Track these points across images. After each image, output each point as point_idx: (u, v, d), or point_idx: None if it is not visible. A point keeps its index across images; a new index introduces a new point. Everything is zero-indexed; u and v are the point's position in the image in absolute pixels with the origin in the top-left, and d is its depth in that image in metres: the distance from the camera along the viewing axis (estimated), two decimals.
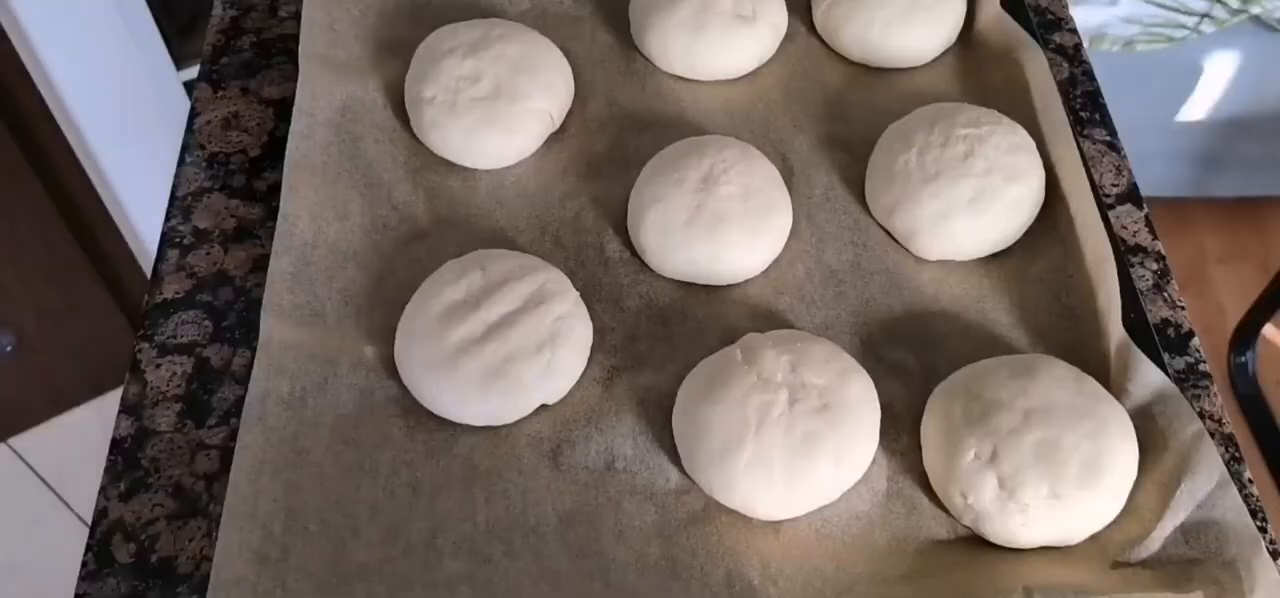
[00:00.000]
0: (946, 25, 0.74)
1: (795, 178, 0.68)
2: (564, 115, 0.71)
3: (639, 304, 0.63)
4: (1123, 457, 0.53)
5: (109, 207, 1.44)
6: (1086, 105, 0.73)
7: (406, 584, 0.52)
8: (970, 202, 0.63)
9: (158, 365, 0.61)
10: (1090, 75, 0.75)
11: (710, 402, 0.55)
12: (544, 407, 0.58)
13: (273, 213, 0.65)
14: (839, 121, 0.71)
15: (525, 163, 0.69)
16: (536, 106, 0.69)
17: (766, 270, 0.64)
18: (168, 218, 0.68)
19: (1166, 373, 0.57)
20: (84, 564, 0.54)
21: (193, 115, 0.73)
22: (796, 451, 0.54)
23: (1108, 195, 0.68)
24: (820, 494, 0.54)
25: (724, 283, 0.63)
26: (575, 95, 0.72)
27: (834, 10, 0.74)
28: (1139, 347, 0.57)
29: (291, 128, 0.67)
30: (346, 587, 0.52)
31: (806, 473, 0.54)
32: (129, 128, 1.36)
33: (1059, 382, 0.55)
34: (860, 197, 0.67)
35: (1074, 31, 0.78)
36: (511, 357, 0.57)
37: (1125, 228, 0.67)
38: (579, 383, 0.59)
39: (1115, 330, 0.58)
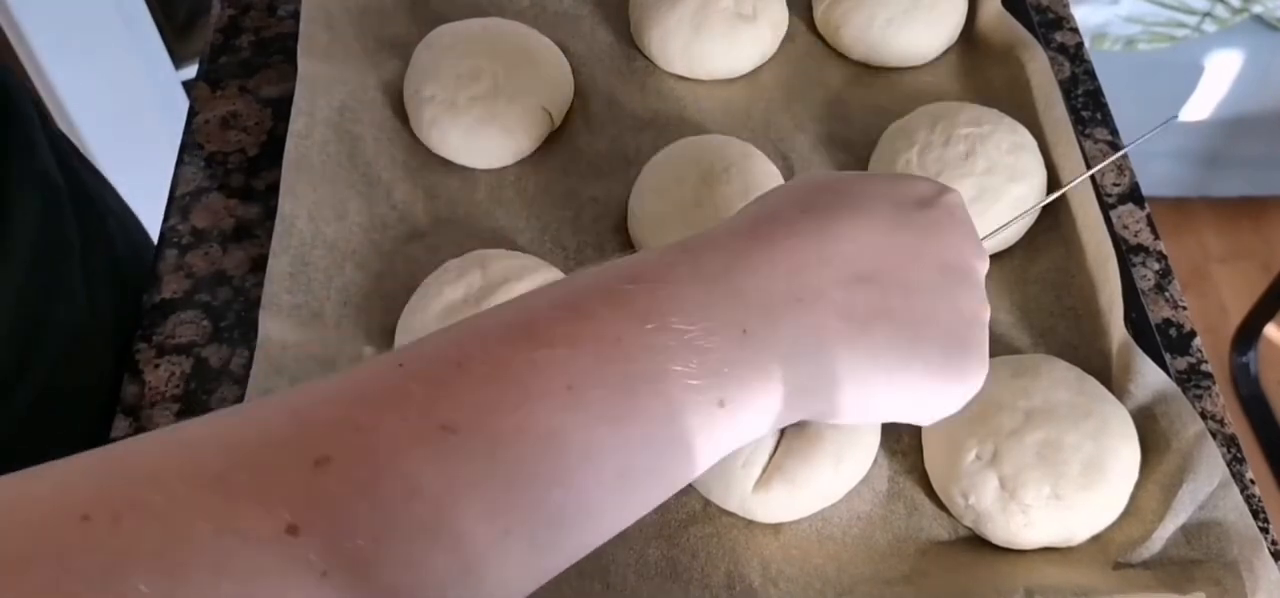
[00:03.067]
0: (947, 24, 0.74)
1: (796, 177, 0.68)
2: (564, 114, 0.71)
3: None
4: (1124, 457, 0.53)
5: None
6: (1088, 105, 0.73)
7: None
8: (971, 201, 0.63)
9: (156, 366, 0.61)
10: (1092, 74, 0.75)
11: None
12: None
13: (271, 212, 0.64)
14: (840, 121, 0.71)
15: (525, 162, 0.69)
16: (536, 105, 0.68)
17: None
18: (166, 217, 0.68)
19: (1168, 373, 0.57)
20: None
21: (191, 115, 0.73)
22: (797, 452, 0.53)
23: (1109, 195, 0.68)
24: (822, 496, 0.54)
25: None
26: (575, 94, 0.72)
27: (834, 9, 0.74)
28: (1141, 347, 0.57)
29: (290, 127, 0.67)
30: None
31: (808, 475, 0.53)
32: (127, 128, 1.36)
33: (1060, 382, 0.55)
34: None
35: (1075, 30, 0.78)
36: None
37: (1127, 227, 0.67)
38: None
39: (1117, 330, 0.58)
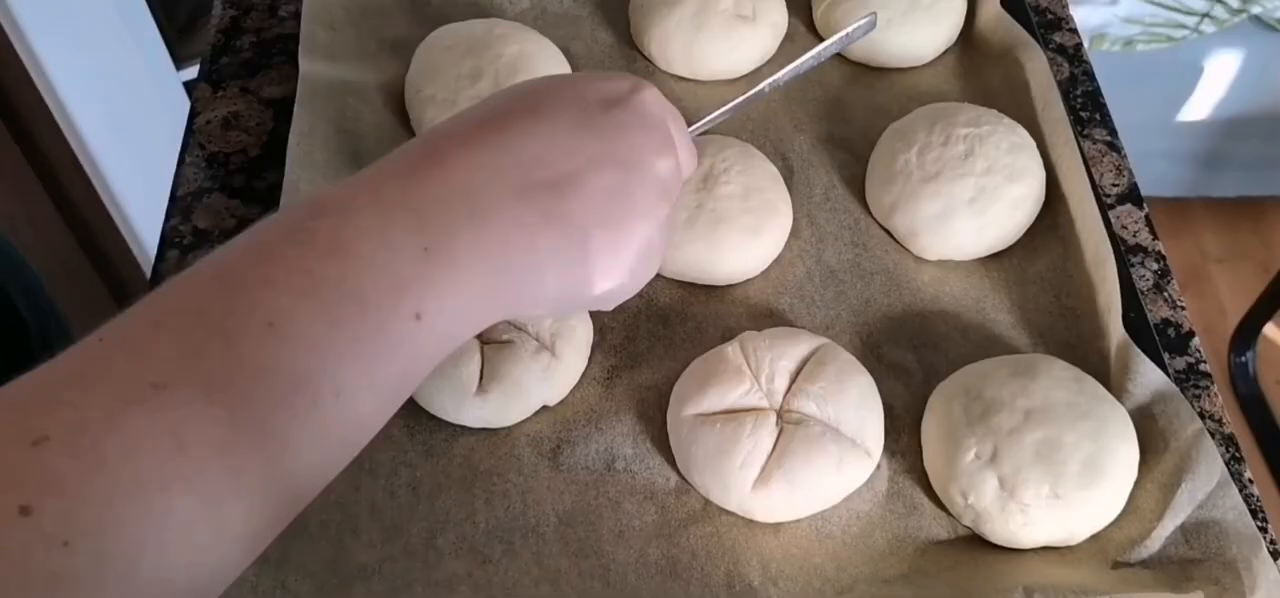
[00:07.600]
0: (946, 25, 0.74)
1: (795, 177, 0.68)
2: None
3: (639, 304, 0.63)
4: (1123, 457, 0.53)
5: (109, 207, 1.44)
6: (1087, 105, 0.73)
7: (406, 584, 0.52)
8: (970, 201, 0.63)
9: None
10: (1090, 75, 0.75)
11: (703, 403, 0.55)
12: (544, 407, 0.58)
13: (273, 213, 0.65)
14: (839, 121, 0.71)
15: None
16: None
17: (766, 270, 0.64)
18: (168, 218, 0.68)
19: (1167, 373, 0.57)
20: None
21: (193, 115, 0.73)
22: (797, 454, 0.54)
23: (1108, 195, 0.68)
24: (822, 498, 0.54)
25: (724, 283, 0.63)
26: None
27: (834, 10, 0.74)
28: (1139, 347, 0.57)
29: (292, 127, 0.67)
30: (346, 587, 0.52)
31: (807, 477, 0.53)
32: (129, 128, 1.36)
33: (1059, 381, 0.55)
34: (860, 196, 0.67)
35: (1074, 31, 0.78)
36: (512, 359, 0.57)
37: (1125, 228, 0.67)
38: (579, 383, 0.59)
39: (1115, 330, 0.58)
